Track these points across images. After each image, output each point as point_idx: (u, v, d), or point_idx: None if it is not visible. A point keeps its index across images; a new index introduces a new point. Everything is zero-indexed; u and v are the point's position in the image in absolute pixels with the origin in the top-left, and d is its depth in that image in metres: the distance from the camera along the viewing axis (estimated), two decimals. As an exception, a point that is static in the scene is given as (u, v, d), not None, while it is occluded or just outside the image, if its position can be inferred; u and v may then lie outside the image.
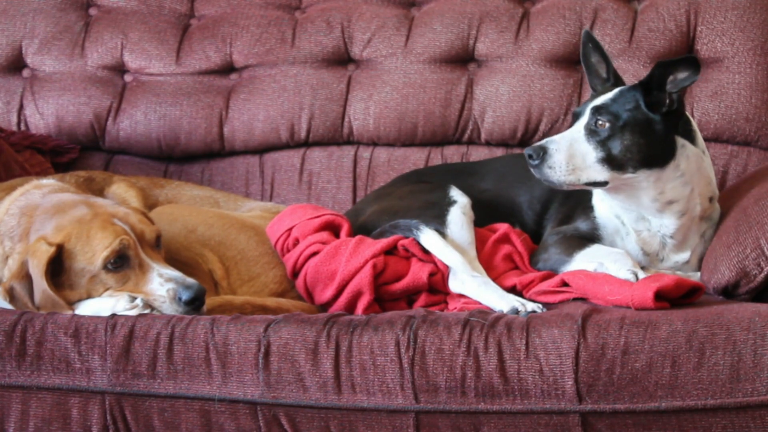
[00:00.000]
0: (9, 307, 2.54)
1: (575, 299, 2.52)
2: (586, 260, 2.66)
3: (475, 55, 3.43)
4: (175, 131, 3.49)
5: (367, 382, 2.28)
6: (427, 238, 2.69)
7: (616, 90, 2.71)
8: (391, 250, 2.71)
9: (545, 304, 2.51)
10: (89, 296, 2.56)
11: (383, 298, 2.67)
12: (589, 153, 2.64)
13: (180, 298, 2.50)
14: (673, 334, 2.20)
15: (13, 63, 3.62)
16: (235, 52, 3.52)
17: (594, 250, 2.69)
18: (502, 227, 2.83)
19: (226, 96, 3.51)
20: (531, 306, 2.48)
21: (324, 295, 2.69)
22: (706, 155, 2.78)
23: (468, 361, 2.24)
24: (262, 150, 3.51)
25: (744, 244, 2.46)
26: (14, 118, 3.57)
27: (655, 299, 2.33)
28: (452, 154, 3.41)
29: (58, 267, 2.53)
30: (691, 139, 2.73)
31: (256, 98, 3.47)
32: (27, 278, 2.53)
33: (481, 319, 2.31)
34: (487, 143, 3.41)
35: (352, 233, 2.81)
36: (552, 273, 2.68)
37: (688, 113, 2.83)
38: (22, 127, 3.56)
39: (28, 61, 3.61)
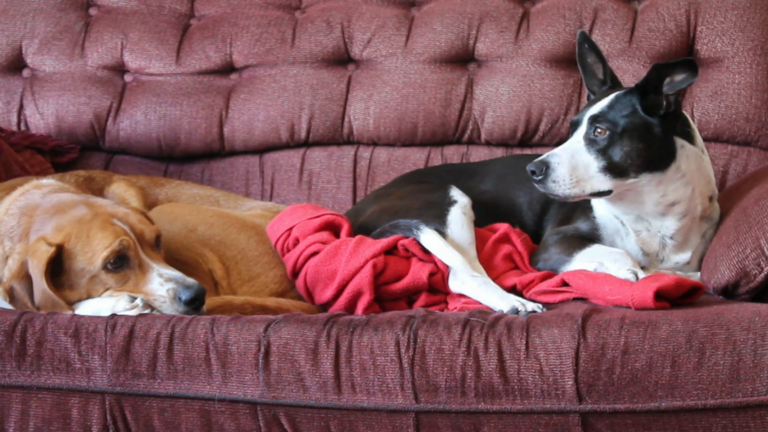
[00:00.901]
0: (9, 307, 2.54)
1: (575, 299, 2.52)
2: (586, 260, 2.65)
3: (475, 55, 3.43)
4: (175, 131, 3.50)
5: (367, 382, 2.28)
6: (428, 237, 2.69)
7: (612, 96, 2.70)
8: (391, 250, 2.71)
9: (545, 304, 2.51)
10: (89, 296, 2.56)
11: (383, 298, 2.67)
12: (591, 163, 2.64)
13: (180, 298, 2.50)
14: (673, 334, 2.20)
15: (13, 63, 3.62)
16: (235, 52, 3.52)
17: (594, 249, 2.69)
18: (502, 227, 2.83)
19: (226, 96, 3.51)
20: (531, 306, 2.47)
21: (324, 295, 2.69)
22: (705, 154, 2.77)
23: (468, 361, 2.24)
24: (262, 150, 3.51)
25: (744, 244, 2.46)
26: (14, 118, 3.57)
27: (655, 299, 2.33)
28: (452, 154, 3.41)
29: (58, 267, 2.53)
30: (690, 138, 2.73)
31: (256, 98, 3.47)
32: (27, 278, 2.52)
33: (481, 319, 2.31)
34: (487, 143, 3.41)
35: (352, 233, 2.81)
36: (552, 273, 2.68)
37: (686, 113, 2.83)
38: (22, 127, 3.56)
39: (28, 61, 3.61)
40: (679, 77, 2.63)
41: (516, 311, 2.44)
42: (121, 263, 2.54)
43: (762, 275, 2.43)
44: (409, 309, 2.65)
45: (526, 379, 2.22)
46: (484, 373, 2.23)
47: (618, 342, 2.21)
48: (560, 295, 2.55)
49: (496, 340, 2.25)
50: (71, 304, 2.54)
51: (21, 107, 3.58)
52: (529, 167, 2.65)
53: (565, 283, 2.58)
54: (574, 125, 2.72)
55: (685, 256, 2.75)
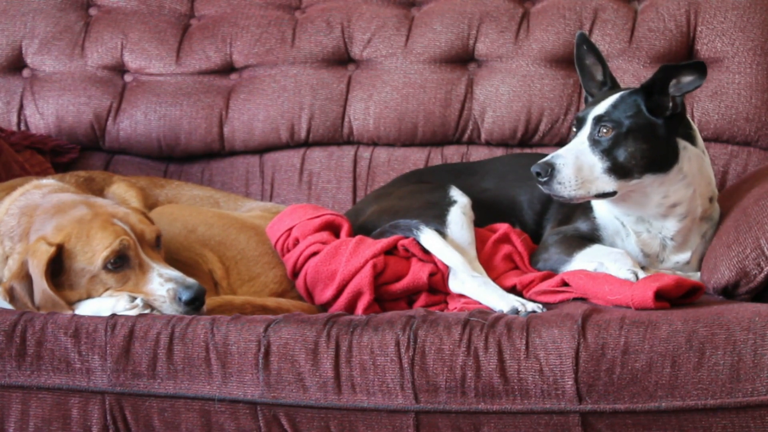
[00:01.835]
0: (9, 307, 2.54)
1: (575, 299, 2.52)
2: (586, 260, 2.65)
3: (475, 55, 3.43)
4: (175, 131, 3.50)
5: (367, 382, 2.28)
6: (427, 238, 2.68)
7: (616, 95, 2.70)
8: (391, 250, 2.71)
9: (545, 304, 2.51)
10: (89, 296, 2.56)
11: (383, 298, 2.67)
12: (596, 164, 2.63)
13: (180, 298, 2.50)
14: (673, 334, 2.20)
15: (13, 63, 3.62)
16: (235, 52, 3.52)
17: (594, 249, 2.68)
18: (502, 227, 2.83)
19: (226, 96, 3.51)
20: (531, 306, 2.47)
21: (324, 295, 2.69)
22: (705, 156, 2.77)
23: (468, 361, 2.24)
24: (262, 150, 3.51)
25: (744, 244, 2.46)
26: (14, 118, 3.57)
27: (655, 299, 2.33)
28: (452, 154, 3.41)
29: (58, 267, 2.53)
30: (692, 140, 2.73)
31: (256, 98, 3.47)
32: (27, 278, 2.52)
33: (481, 319, 2.31)
34: (487, 143, 3.41)
35: (352, 233, 2.81)
36: (552, 273, 2.67)
37: (687, 114, 2.83)
38: (22, 127, 3.56)
39: (28, 61, 3.61)
40: (686, 79, 2.62)
41: (516, 311, 2.44)
42: (121, 263, 2.54)
43: (762, 275, 2.43)
44: (409, 309, 2.65)
45: (526, 379, 2.21)
46: (484, 373, 2.23)
47: (618, 342, 2.21)
48: (560, 295, 2.55)
49: (496, 340, 2.25)
50: (71, 304, 2.54)
51: (21, 107, 3.58)
52: (534, 168, 2.64)
53: (565, 283, 2.58)
54: (580, 122, 2.71)
55: (684, 256, 2.75)
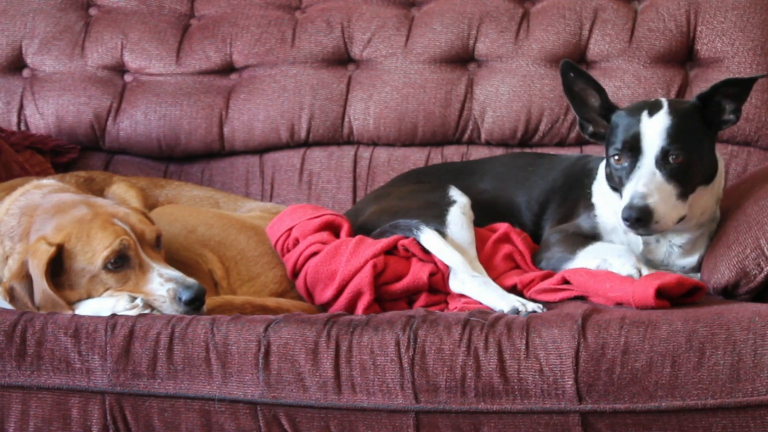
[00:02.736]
0: (9, 307, 2.54)
1: (575, 298, 2.52)
2: (589, 257, 2.63)
3: (475, 55, 3.43)
4: (175, 131, 3.50)
5: (367, 382, 2.28)
6: (428, 238, 2.68)
7: (672, 114, 2.56)
8: (391, 250, 2.71)
9: (546, 303, 2.51)
10: (89, 296, 2.56)
11: (383, 298, 2.67)
12: (671, 192, 2.53)
13: (180, 298, 2.50)
14: (673, 334, 2.20)
15: (13, 63, 3.62)
16: (235, 52, 3.52)
17: (597, 247, 2.67)
18: (503, 227, 2.82)
19: (226, 96, 3.51)
20: (531, 306, 2.47)
21: (324, 295, 2.69)
22: (721, 161, 2.73)
23: (468, 361, 2.24)
24: (262, 150, 3.51)
25: (744, 244, 2.46)
26: (14, 118, 3.58)
27: (656, 297, 2.33)
28: (452, 154, 3.41)
29: (58, 267, 2.53)
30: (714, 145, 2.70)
31: (256, 98, 3.47)
32: (27, 278, 2.52)
33: (481, 319, 2.31)
34: (487, 143, 3.41)
35: (352, 233, 2.81)
36: (552, 272, 2.67)
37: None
38: (22, 127, 3.56)
39: (28, 61, 3.61)
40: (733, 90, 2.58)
41: (516, 311, 2.44)
42: (121, 263, 2.54)
43: (762, 275, 2.43)
44: (409, 309, 2.65)
45: (526, 379, 2.21)
46: (484, 373, 2.23)
47: (618, 342, 2.21)
48: (561, 293, 2.54)
49: (496, 340, 2.25)
50: (71, 304, 2.54)
51: (21, 107, 3.58)
52: (631, 215, 2.48)
53: (566, 281, 2.57)
54: (632, 147, 2.56)
55: (691, 260, 2.71)
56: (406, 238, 2.71)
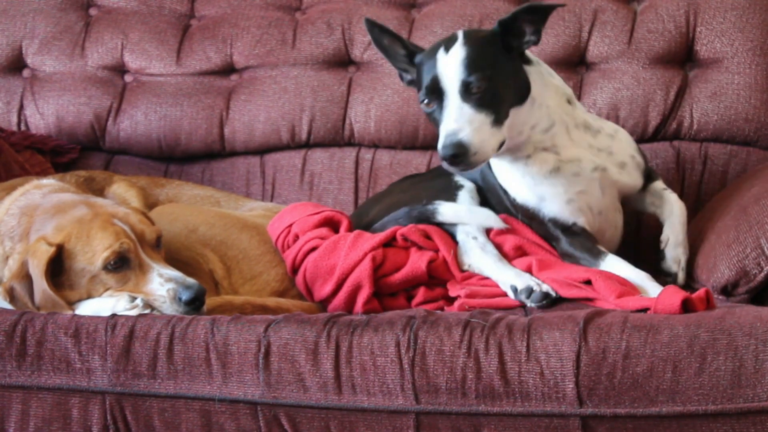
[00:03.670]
0: (9, 307, 2.54)
1: (582, 299, 2.51)
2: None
3: (475, 56, 3.43)
4: (176, 132, 3.50)
5: (367, 382, 2.28)
6: (446, 208, 2.68)
7: (467, 44, 2.53)
8: (390, 242, 2.71)
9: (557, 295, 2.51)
10: (89, 296, 2.56)
11: (383, 291, 2.67)
12: (484, 121, 2.50)
13: (180, 298, 2.50)
14: (675, 339, 2.19)
15: (13, 63, 3.62)
16: (235, 53, 3.52)
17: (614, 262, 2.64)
18: (509, 219, 2.80)
19: (227, 97, 3.51)
20: (546, 287, 2.46)
21: (323, 289, 2.69)
22: (541, 65, 2.69)
23: (468, 363, 2.24)
24: (262, 151, 3.51)
25: (744, 243, 2.47)
26: (14, 118, 3.58)
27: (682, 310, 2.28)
28: (453, 156, 3.41)
29: (58, 267, 2.54)
30: (524, 59, 2.65)
31: (256, 99, 3.47)
32: (27, 278, 2.53)
33: (482, 320, 2.31)
34: (487, 144, 3.40)
35: (351, 229, 2.81)
36: (570, 265, 2.65)
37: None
38: (22, 127, 3.57)
39: (28, 61, 3.62)
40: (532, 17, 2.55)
41: (531, 290, 2.44)
42: (121, 263, 2.54)
43: (762, 275, 2.44)
44: (408, 304, 2.66)
45: (527, 381, 2.21)
46: (484, 374, 2.23)
47: (619, 346, 2.20)
48: (576, 290, 2.52)
49: (496, 342, 2.25)
50: (71, 304, 2.54)
51: (21, 107, 3.58)
52: (446, 153, 2.46)
53: (587, 282, 2.54)
54: (435, 90, 2.54)
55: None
56: (403, 226, 2.72)
